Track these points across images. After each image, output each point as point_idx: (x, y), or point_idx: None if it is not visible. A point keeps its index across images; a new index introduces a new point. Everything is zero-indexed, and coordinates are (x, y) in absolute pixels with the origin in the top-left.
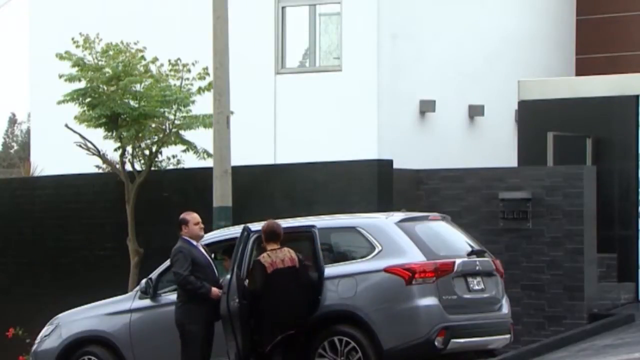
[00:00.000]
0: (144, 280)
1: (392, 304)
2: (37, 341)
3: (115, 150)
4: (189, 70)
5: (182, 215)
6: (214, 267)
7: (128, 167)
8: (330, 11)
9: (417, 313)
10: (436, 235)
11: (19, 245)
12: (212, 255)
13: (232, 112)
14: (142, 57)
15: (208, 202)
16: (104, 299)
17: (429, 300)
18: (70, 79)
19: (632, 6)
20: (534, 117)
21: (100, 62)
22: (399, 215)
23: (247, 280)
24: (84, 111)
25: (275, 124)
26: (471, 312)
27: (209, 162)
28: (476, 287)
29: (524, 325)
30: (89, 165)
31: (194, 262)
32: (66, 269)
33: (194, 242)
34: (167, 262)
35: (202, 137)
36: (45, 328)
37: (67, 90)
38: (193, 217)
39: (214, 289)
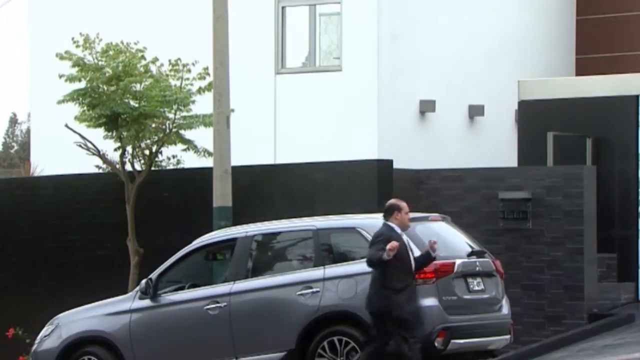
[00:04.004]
0: (144, 281)
1: None
2: (37, 341)
3: (115, 150)
4: (189, 70)
5: (394, 202)
6: (412, 259)
7: (128, 167)
8: (330, 11)
9: None
10: (436, 236)
11: (19, 245)
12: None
13: (232, 110)
14: (142, 57)
15: (208, 202)
16: (104, 299)
17: (429, 301)
18: (71, 79)
19: (632, 6)
20: (534, 117)
21: (100, 62)
22: None
23: None
24: (84, 111)
25: (275, 124)
26: (471, 312)
27: (209, 162)
28: (476, 288)
29: (524, 325)
30: (89, 165)
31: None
32: (66, 269)
33: (398, 231)
34: (167, 263)
35: (203, 137)
36: (45, 328)
37: (67, 90)
38: (405, 205)
39: (393, 242)
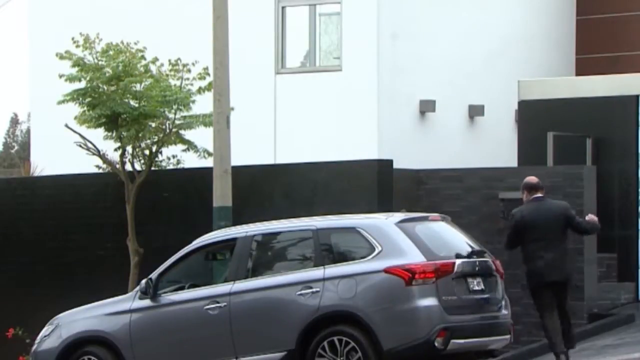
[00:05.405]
0: (144, 281)
1: (392, 305)
2: (37, 341)
3: (115, 150)
4: (189, 70)
5: (537, 179)
6: None
7: (128, 167)
8: (330, 11)
9: (417, 314)
10: (436, 236)
11: (19, 245)
12: (210, 256)
13: (232, 108)
14: (142, 57)
15: (208, 202)
16: (104, 299)
17: (429, 301)
18: (71, 79)
19: (632, 6)
20: (534, 117)
21: (100, 62)
22: (399, 216)
23: None
24: (84, 111)
25: (275, 124)
26: (471, 312)
27: (209, 162)
28: (476, 288)
29: (524, 325)
30: (89, 165)
31: None
32: (66, 269)
33: None
34: (167, 263)
35: (203, 137)
36: (45, 328)
37: (67, 90)
38: None
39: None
